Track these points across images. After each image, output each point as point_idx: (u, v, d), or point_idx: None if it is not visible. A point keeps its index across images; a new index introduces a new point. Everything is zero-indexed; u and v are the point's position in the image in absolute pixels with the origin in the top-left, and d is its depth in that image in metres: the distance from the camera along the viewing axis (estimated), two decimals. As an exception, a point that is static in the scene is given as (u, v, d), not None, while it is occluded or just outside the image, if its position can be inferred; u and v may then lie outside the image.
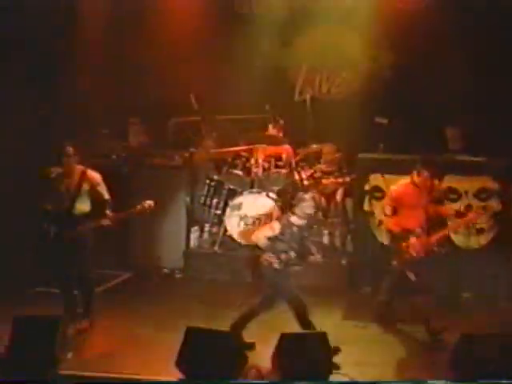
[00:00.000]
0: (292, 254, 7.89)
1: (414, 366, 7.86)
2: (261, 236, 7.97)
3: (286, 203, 10.56)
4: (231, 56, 11.18)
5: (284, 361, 7.24)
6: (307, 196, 7.92)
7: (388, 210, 8.79)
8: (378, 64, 11.33)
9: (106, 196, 8.52)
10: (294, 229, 7.90)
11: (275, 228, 7.91)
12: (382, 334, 8.62)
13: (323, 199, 10.59)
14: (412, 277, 8.39)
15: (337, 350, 7.76)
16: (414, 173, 8.63)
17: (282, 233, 7.84)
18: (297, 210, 7.89)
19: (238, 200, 10.66)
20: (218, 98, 11.12)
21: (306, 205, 7.87)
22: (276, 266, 7.86)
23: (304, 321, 7.95)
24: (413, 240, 8.48)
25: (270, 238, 7.89)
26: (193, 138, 11.21)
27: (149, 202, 8.52)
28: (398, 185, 8.88)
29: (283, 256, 7.85)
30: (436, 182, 9.01)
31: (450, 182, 10.10)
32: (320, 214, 10.68)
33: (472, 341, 7.04)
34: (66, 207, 8.40)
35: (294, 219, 7.89)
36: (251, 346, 7.98)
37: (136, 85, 11.35)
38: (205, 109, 11.15)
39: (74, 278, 8.54)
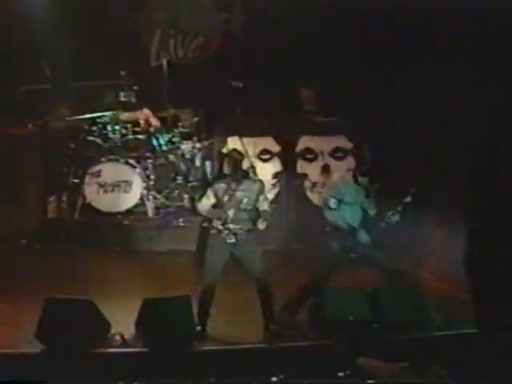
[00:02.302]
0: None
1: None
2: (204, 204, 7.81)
3: (146, 169, 10.67)
4: (81, 23, 11.00)
5: (146, 326, 7.34)
6: None
7: None
8: (231, 27, 11.46)
9: None
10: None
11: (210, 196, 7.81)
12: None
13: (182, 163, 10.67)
14: None
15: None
16: None
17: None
18: None
19: (96, 167, 10.59)
20: (71, 66, 10.92)
21: None
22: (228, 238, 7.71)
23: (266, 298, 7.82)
24: None
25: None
26: (46, 105, 10.98)
27: None
28: None
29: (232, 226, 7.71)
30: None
31: (306, 142, 10.38)
32: (180, 178, 10.78)
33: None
34: None
35: None
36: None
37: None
38: (57, 76, 10.93)
39: None
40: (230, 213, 7.69)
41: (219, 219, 7.73)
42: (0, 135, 10.65)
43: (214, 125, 10.77)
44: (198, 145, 10.90)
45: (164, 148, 10.84)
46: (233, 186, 7.75)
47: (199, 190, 10.54)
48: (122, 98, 10.97)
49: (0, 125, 10.78)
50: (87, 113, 10.91)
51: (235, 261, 7.88)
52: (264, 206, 7.86)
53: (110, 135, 10.81)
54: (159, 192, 10.78)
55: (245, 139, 10.21)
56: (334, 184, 8.18)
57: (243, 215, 7.74)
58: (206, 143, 10.94)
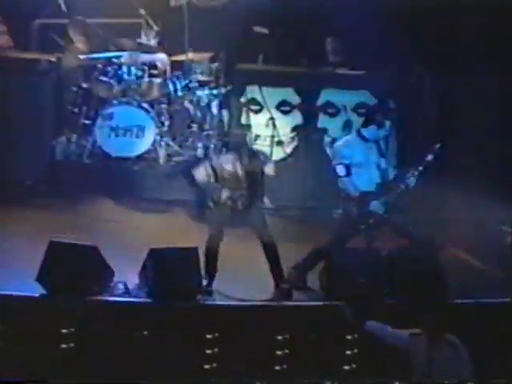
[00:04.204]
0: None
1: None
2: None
3: (160, 114, 10.63)
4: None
5: (151, 277, 7.36)
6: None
7: None
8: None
9: None
10: None
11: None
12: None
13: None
14: None
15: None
16: None
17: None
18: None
19: (109, 110, 10.55)
20: (88, 1, 10.84)
21: None
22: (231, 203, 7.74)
23: (273, 257, 7.86)
24: None
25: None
26: (60, 42, 10.92)
27: None
28: None
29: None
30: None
31: (328, 96, 10.29)
32: (195, 126, 10.74)
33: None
34: None
35: None
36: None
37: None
38: (74, 11, 10.86)
39: None
40: (225, 192, 7.68)
41: (215, 195, 7.72)
42: (12, 71, 10.63)
43: (234, 72, 10.67)
44: (215, 92, 10.82)
45: (180, 93, 10.74)
46: (235, 161, 7.70)
47: (214, 140, 10.54)
48: (141, 39, 10.91)
49: (11, 60, 10.77)
50: (102, 52, 10.85)
51: (238, 216, 7.87)
52: (269, 171, 7.83)
53: (125, 77, 10.73)
54: (172, 139, 10.75)
55: (264, 89, 10.15)
56: (337, 149, 7.99)
57: (242, 190, 7.71)
58: (223, 90, 10.85)
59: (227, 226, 7.85)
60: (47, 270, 7.27)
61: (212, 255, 7.78)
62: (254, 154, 7.86)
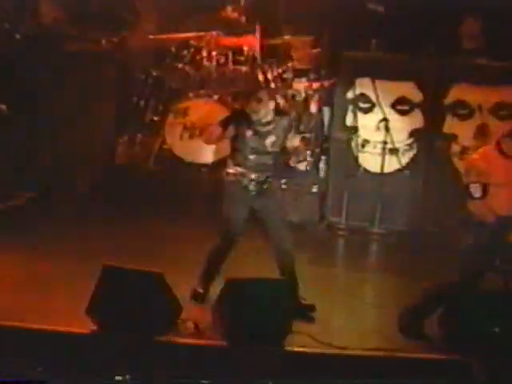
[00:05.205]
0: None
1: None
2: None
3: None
4: None
5: (228, 315, 7.40)
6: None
7: None
8: None
9: None
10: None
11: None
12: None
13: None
14: None
15: (311, 309, 7.89)
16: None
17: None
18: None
19: (183, 104, 10.68)
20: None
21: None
22: (248, 184, 7.93)
23: (288, 269, 8.02)
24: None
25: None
26: (126, 17, 11.11)
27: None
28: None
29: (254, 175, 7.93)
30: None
31: (459, 92, 10.20)
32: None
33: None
34: None
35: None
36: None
37: None
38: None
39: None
40: (251, 157, 7.85)
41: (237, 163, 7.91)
42: (64, 54, 10.85)
43: (340, 60, 10.67)
44: (315, 84, 10.86)
45: (272, 85, 10.83)
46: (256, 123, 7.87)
47: (311, 144, 10.56)
48: (229, 15, 11.04)
49: (65, 40, 10.98)
50: (178, 32, 10.99)
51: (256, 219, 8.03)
52: (293, 142, 8.01)
53: (205, 63, 10.86)
54: (260, 142, 10.81)
55: (378, 82, 10.13)
56: (472, 164, 7.87)
57: (267, 159, 7.90)
58: (326, 83, 10.89)
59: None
60: (100, 302, 7.33)
61: (215, 261, 8.08)
62: None
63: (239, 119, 7.90)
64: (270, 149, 7.89)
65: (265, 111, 7.81)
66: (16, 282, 8.23)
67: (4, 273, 8.38)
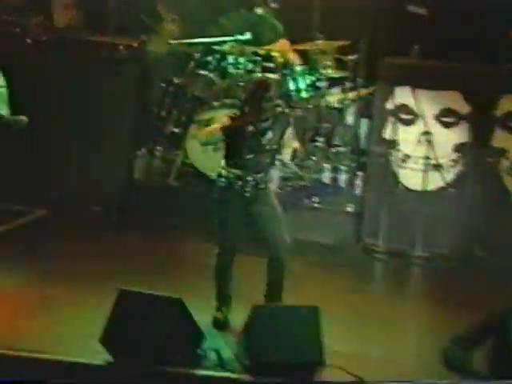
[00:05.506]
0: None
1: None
2: None
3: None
4: None
5: (253, 343, 7.35)
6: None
7: None
8: None
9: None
10: None
11: None
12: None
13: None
14: None
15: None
16: None
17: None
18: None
19: (207, 114, 10.66)
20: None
21: None
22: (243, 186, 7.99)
23: (276, 278, 8.13)
24: None
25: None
26: (145, 20, 11.13)
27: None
28: None
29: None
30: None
31: (511, 104, 10.13)
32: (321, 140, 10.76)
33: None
34: None
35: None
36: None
37: None
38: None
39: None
40: (249, 156, 7.94)
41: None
42: (79, 60, 10.87)
43: (378, 68, 10.63)
44: (351, 94, 10.82)
45: (304, 95, 10.82)
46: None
47: (346, 160, 10.52)
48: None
49: (80, 45, 10.99)
50: (201, 36, 10.99)
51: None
52: (292, 143, 8.32)
53: (231, 70, 10.85)
54: (291, 157, 10.76)
55: (421, 92, 10.05)
56: None
57: (264, 158, 8.00)
58: (363, 93, 10.84)
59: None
60: (115, 329, 7.32)
61: (222, 276, 8.26)
62: None
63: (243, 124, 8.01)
64: (267, 146, 7.95)
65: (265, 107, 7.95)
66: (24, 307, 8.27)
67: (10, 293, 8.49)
